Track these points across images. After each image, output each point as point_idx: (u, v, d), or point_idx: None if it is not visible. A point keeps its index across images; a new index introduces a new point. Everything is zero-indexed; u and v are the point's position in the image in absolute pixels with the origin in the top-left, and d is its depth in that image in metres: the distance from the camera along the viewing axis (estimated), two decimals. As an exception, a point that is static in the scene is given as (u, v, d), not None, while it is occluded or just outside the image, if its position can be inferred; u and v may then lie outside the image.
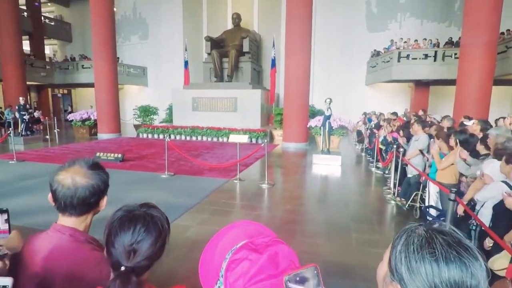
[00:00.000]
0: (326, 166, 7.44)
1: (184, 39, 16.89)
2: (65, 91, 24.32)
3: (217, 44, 14.78)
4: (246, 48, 14.04)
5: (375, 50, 15.73)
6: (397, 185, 5.07)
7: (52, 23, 22.17)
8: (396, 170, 5.18)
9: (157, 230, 0.78)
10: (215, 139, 12.17)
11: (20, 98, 11.34)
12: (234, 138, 6.26)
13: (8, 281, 0.68)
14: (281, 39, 15.70)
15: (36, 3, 20.30)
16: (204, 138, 12.34)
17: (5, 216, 1.04)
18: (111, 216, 0.80)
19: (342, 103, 15.43)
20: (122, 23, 19.66)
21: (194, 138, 12.46)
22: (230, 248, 0.60)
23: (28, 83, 16.23)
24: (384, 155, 6.63)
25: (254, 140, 11.32)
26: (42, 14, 21.24)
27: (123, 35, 19.91)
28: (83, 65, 18.67)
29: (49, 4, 22.67)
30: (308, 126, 10.53)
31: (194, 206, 4.59)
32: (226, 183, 5.93)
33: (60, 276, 0.89)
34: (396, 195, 4.91)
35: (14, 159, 7.56)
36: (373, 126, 9.08)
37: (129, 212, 0.79)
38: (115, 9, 13.82)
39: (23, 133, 11.00)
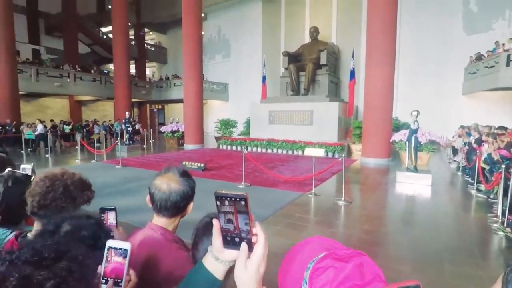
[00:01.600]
0: (413, 185, 6.70)
1: (262, 56, 17.65)
2: (160, 107, 27.74)
3: (294, 58, 15.00)
4: (323, 61, 13.87)
5: (478, 53, 13.63)
6: (507, 213, 4.23)
7: (152, 49, 25.81)
8: (505, 194, 4.34)
9: None
10: (290, 152, 12.20)
11: (126, 113, 13.37)
12: (310, 151, 6.16)
13: (127, 245, 0.78)
14: (361, 49, 15.06)
15: (141, 33, 23.95)
16: (280, 151, 12.48)
17: (113, 214, 1.22)
18: (199, 221, 0.86)
19: (433, 115, 13.79)
20: (208, 44, 21.65)
21: (269, 151, 12.72)
22: (311, 259, 0.59)
23: (132, 100, 19.07)
24: (487, 176, 5.65)
25: (330, 154, 10.96)
26: (145, 41, 24.91)
27: (209, 55, 21.87)
28: (174, 83, 21.08)
29: (151, 33, 26.44)
30: (391, 140, 9.71)
31: (268, 217, 4.63)
32: (300, 196, 5.85)
33: (143, 262, 0.99)
34: (505, 225, 4.10)
35: (120, 164, 8.88)
36: (473, 141, 7.86)
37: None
38: (203, 32, 15.31)
39: (127, 143, 12.88)
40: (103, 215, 1.20)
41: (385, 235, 4.06)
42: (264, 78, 16.53)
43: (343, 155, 5.80)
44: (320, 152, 6.03)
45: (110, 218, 1.22)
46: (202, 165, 8.27)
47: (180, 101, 18.98)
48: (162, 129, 16.20)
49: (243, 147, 13.01)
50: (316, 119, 12.82)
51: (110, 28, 20.27)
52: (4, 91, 12.75)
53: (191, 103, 14.18)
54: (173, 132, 15.31)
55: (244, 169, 6.81)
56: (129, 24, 19.03)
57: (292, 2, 18.06)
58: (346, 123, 13.61)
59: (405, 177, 6.94)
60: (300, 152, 11.79)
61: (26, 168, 1.72)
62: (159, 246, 1.01)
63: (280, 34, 18.88)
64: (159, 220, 1.10)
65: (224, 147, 14.09)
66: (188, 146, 14.12)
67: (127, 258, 0.77)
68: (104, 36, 23.38)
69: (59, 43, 21.81)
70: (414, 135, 6.85)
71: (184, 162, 8.64)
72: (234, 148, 13.71)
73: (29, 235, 1.10)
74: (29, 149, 12.41)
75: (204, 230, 0.81)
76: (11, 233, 1.12)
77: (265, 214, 4.74)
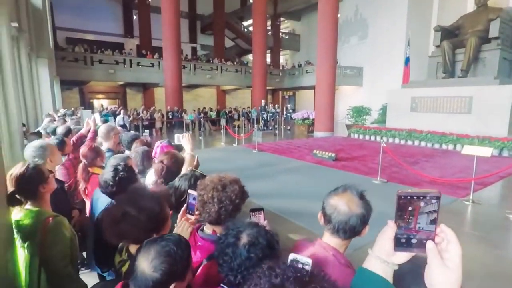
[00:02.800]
0: None
1: (407, 33, 15.41)
2: (291, 93, 28.66)
3: (449, 33, 12.43)
4: (494, 33, 10.90)
5: None
6: None
7: (286, 37, 26.62)
8: None
9: None
10: (436, 146, 10.41)
11: (262, 101, 14.43)
12: (470, 149, 5.00)
13: (309, 261, 0.80)
14: (559, 12, 11.09)
15: (277, 22, 25.02)
16: (423, 144, 10.83)
17: (262, 214, 1.31)
18: None
19: None
20: (343, 26, 20.53)
21: (410, 143, 11.22)
22: None
23: (267, 87, 20.42)
24: None
25: (495, 152, 8.68)
26: (280, 30, 25.92)
27: (343, 38, 20.77)
28: (307, 70, 21.20)
29: (285, 21, 27.28)
30: None
31: (410, 223, 4.09)
32: (453, 202, 4.90)
33: None
34: None
35: (256, 149, 9.72)
36: None
37: None
38: (338, 15, 14.61)
39: (262, 128, 13.96)
40: (253, 215, 1.29)
41: None
42: (407, 60, 14.45)
43: (523, 158, 4.44)
44: (486, 152, 4.80)
45: (261, 219, 1.30)
46: (333, 155, 8.07)
47: (311, 87, 19.01)
48: (294, 116, 16.72)
49: (377, 137, 11.99)
50: (477, 106, 10.37)
51: (250, 21, 22.08)
52: (172, 84, 15.92)
53: (322, 90, 13.97)
54: (303, 119, 15.57)
55: (380, 162, 6.23)
56: (267, 15, 20.16)
57: (450, -37, 14.86)
58: (523, 112, 10.46)
59: None
60: (450, 147, 9.91)
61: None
62: (332, 269, 0.98)
63: (432, 6, 15.96)
64: (332, 240, 1.08)
65: (356, 136, 13.33)
66: (318, 134, 14.08)
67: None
68: (245, 30, 25.67)
69: (210, 40, 25.40)
70: None
71: (314, 151, 8.66)
72: (367, 137, 12.78)
73: (205, 229, 1.31)
74: (189, 131, 15.28)
75: (408, 285, 0.73)
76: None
77: (407, 218, 4.20)
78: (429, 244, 0.58)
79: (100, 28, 22.23)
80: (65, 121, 5.30)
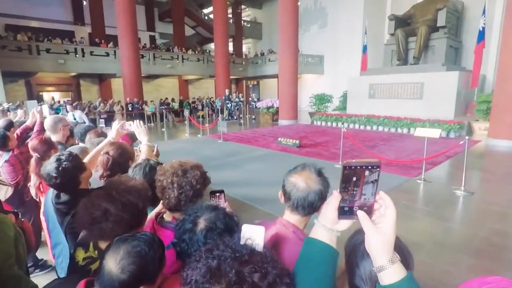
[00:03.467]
0: None
1: (364, 22, 15.98)
2: (255, 82, 28.62)
3: (402, 22, 13.10)
4: (441, 22, 11.67)
5: None
6: None
7: (248, 25, 26.35)
8: None
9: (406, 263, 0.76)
10: (393, 130, 11.04)
11: (226, 90, 14.24)
12: (422, 131, 5.37)
13: (262, 229, 0.80)
14: (496, 5, 12.12)
15: (238, 10, 24.63)
16: (380, 128, 11.43)
17: (223, 196, 1.31)
18: (350, 239, 0.87)
19: None
20: (303, 15, 20.75)
21: (368, 128, 11.78)
22: None
23: (230, 77, 20.16)
24: None
25: (444, 134, 9.42)
26: (242, 18, 25.57)
27: (304, 27, 21.03)
28: (269, 59, 21.24)
29: (247, 9, 26.94)
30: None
31: (369, 203, 4.32)
32: (407, 182, 5.25)
33: None
34: None
35: (221, 139, 9.62)
36: None
37: None
38: (298, 3, 14.70)
39: (227, 118, 13.83)
40: (213, 198, 1.28)
41: (524, 239, 3.30)
42: (364, 48, 15.05)
43: (467, 137, 4.84)
44: (435, 133, 5.19)
45: (221, 201, 1.29)
46: (297, 142, 8.24)
47: (275, 76, 19.12)
48: (258, 104, 16.74)
49: (339, 123, 12.43)
50: (428, 92, 11.12)
51: (211, 9, 21.48)
52: (130, 75, 15.12)
53: (285, 78, 14.11)
54: (267, 107, 15.66)
55: (341, 147, 6.48)
56: (228, 2, 19.74)
57: (402, -46, 15.52)
58: (467, 96, 11.42)
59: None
60: (405, 130, 10.56)
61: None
62: (292, 245, 0.99)
63: (386, -4, 16.65)
64: (292, 217, 1.09)
65: (319, 123, 13.71)
66: (282, 122, 14.27)
67: (262, 243, 0.80)
68: (206, 17, 24.97)
69: (170, 28, 24.37)
70: None
71: (279, 139, 8.77)
72: (329, 124, 13.21)
73: (165, 216, 1.26)
74: (150, 123, 14.72)
75: (362, 254, 0.76)
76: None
77: (366, 199, 4.42)
78: (360, 213, 0.62)
79: (46, 15, 20.27)
80: (6, 115, 4.82)
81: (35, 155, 2.14)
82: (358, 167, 0.59)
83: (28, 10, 19.57)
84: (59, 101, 15.32)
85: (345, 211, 0.64)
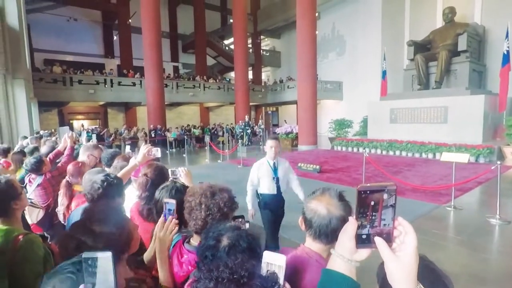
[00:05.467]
0: None
1: (382, 48, 16.11)
2: (274, 109, 29.00)
3: (421, 47, 13.09)
4: (462, 46, 11.56)
5: None
6: None
7: (267, 54, 27.22)
8: None
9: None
10: (417, 155, 10.70)
11: (246, 116, 14.50)
12: (449, 156, 5.17)
13: (283, 259, 0.78)
14: (519, 26, 11.91)
15: (258, 40, 25.60)
16: (404, 153, 11.11)
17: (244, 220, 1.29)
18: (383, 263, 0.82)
19: None
20: (321, 43, 21.24)
21: (391, 153, 11.49)
22: None
23: (250, 103, 20.59)
24: None
25: (472, 159, 9.00)
26: (261, 48, 26.50)
27: (322, 54, 21.45)
28: (288, 86, 21.61)
29: (266, 39, 27.97)
30: None
31: (396, 231, 4.12)
32: (435, 209, 5.00)
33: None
34: None
35: (241, 164, 9.66)
36: None
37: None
38: (316, 32, 15.12)
39: (246, 144, 13.96)
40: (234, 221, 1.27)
41: None
42: (384, 73, 15.05)
43: (499, 162, 4.61)
44: (463, 158, 4.98)
45: (243, 224, 1.28)
46: (318, 167, 8.14)
47: (293, 102, 19.34)
48: (277, 130, 16.85)
49: (360, 149, 12.22)
50: (452, 116, 10.82)
51: (231, 40, 22.48)
52: (155, 103, 15.80)
53: (304, 104, 14.23)
54: (287, 133, 15.71)
55: (364, 172, 6.32)
56: (247, 33, 20.61)
57: (418, -17, 15.83)
58: (495, 120, 10.99)
59: None
60: (430, 155, 10.22)
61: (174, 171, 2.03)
62: (313, 274, 0.95)
63: (404, 22, 16.82)
64: (315, 246, 1.05)
65: (339, 148, 13.54)
66: (302, 147, 14.21)
67: (283, 272, 0.79)
68: (227, 48, 26.09)
69: (192, 59, 25.60)
70: None
71: (299, 164, 8.70)
72: (349, 149, 13.01)
73: (192, 241, 1.26)
74: (172, 149, 15.10)
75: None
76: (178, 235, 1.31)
77: (392, 226, 4.22)
78: (377, 240, 0.58)
79: (79, 50, 22.01)
80: (39, 141, 5.11)
81: (67, 178, 2.24)
82: (375, 191, 0.56)
83: (64, 46, 21.33)
84: (87, 129, 16.12)
85: (363, 239, 0.60)
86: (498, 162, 4.58)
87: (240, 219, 1.26)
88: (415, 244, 0.57)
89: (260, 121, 18.15)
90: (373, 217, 0.58)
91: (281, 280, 0.78)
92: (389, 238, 0.58)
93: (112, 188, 1.58)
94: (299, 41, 14.08)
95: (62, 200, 2.22)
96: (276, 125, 25.14)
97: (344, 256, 0.63)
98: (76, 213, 1.83)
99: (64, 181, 2.29)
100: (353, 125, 15.75)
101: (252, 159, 11.21)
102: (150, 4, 14.81)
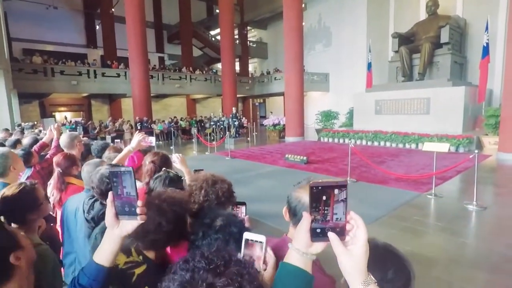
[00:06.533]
0: None
1: (367, 40, 16.30)
2: (261, 100, 29.00)
3: (405, 40, 13.33)
4: (444, 38, 11.85)
5: None
6: None
7: (254, 45, 27.04)
8: None
9: (406, 273, 0.84)
10: (400, 145, 11.01)
11: (233, 108, 14.46)
12: (430, 146, 5.37)
13: (263, 238, 0.84)
14: (499, 20, 12.29)
15: (244, 31, 25.36)
16: (388, 144, 11.40)
17: (244, 208, 1.35)
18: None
19: None
20: (308, 34, 21.25)
21: (376, 144, 11.76)
22: None
23: (237, 95, 20.50)
24: None
25: (453, 149, 9.36)
26: (248, 39, 26.28)
27: (309, 46, 21.49)
28: (275, 77, 21.62)
29: (252, 30, 27.74)
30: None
31: (380, 218, 4.29)
32: (417, 197, 5.20)
33: None
34: None
35: (229, 156, 9.70)
36: None
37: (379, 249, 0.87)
38: (303, 23, 15.11)
39: (234, 136, 13.97)
40: (234, 209, 1.33)
41: (541, 254, 3.23)
42: (369, 65, 15.28)
43: (476, 151, 4.83)
44: (444, 147, 5.19)
45: (241, 213, 1.34)
46: (305, 158, 8.26)
47: (280, 94, 19.39)
48: (264, 122, 16.92)
49: (346, 140, 12.45)
50: (434, 107, 11.14)
51: (217, 30, 22.19)
52: (140, 94, 15.50)
53: (292, 96, 14.30)
54: (274, 125, 15.79)
55: (349, 163, 6.48)
56: (234, 24, 20.38)
57: (403, -25, 15.99)
58: (474, 111, 11.39)
59: None
60: (413, 146, 10.52)
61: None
62: None
63: (389, 14, 16.99)
64: None
65: (325, 139, 13.74)
66: (289, 139, 14.34)
67: (263, 250, 0.85)
68: (213, 39, 25.74)
69: (178, 49, 25.15)
70: None
71: (286, 155, 8.81)
72: (336, 140, 13.23)
73: None
74: (158, 142, 14.96)
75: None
76: None
77: (376, 214, 4.40)
78: (330, 235, 0.60)
79: (60, 39, 21.23)
80: (22, 134, 4.99)
81: (58, 170, 2.22)
82: (326, 187, 0.59)
83: (44, 35, 20.52)
84: (70, 121, 15.71)
85: (317, 233, 0.62)
86: (476, 151, 4.80)
87: (239, 205, 1.34)
88: (365, 238, 0.60)
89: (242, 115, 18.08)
90: (326, 212, 0.60)
91: (262, 254, 0.84)
92: (342, 232, 0.61)
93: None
94: (286, 32, 14.05)
95: (52, 191, 2.20)
96: (264, 117, 25.21)
97: (300, 250, 0.65)
98: (71, 204, 1.83)
99: (57, 172, 2.26)
100: (339, 116, 15.97)
101: (240, 151, 11.29)
102: (133, -7, 14.39)
